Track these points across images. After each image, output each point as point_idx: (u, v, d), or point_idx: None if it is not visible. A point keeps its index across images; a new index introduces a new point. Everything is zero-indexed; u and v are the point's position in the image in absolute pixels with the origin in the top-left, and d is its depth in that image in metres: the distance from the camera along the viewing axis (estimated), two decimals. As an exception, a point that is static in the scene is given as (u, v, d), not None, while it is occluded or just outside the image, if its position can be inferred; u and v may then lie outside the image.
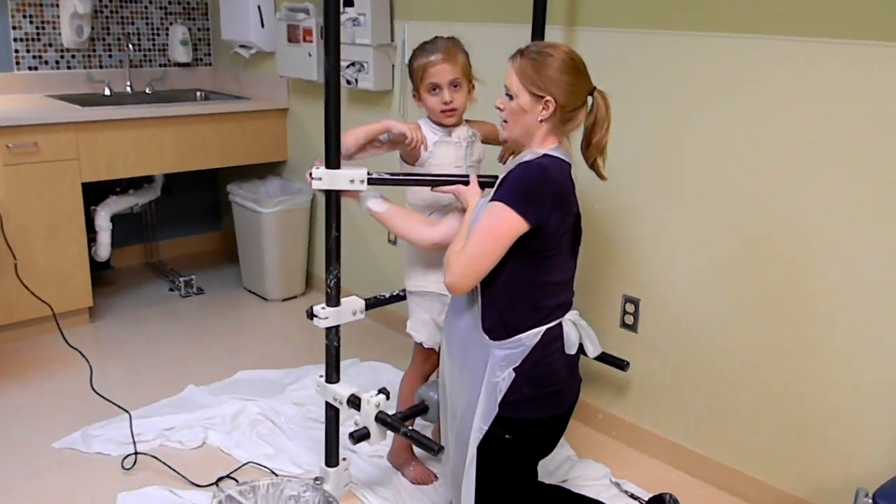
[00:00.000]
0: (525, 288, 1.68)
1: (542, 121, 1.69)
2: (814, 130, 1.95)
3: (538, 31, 2.34)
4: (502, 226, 1.61)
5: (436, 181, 1.92)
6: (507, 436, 1.72)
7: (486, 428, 1.71)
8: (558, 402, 1.75)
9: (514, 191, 1.63)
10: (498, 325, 1.70)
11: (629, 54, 2.30)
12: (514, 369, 1.68)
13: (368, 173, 1.90)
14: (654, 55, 2.24)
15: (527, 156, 1.71)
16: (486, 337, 1.72)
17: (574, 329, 1.74)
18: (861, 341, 1.96)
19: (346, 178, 1.89)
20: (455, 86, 1.97)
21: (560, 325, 1.72)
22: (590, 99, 1.71)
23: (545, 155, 1.69)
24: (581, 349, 1.79)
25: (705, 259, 2.23)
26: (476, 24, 2.72)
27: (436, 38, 2.00)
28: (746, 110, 2.07)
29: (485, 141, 2.12)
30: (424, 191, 2.01)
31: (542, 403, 1.72)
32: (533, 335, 1.68)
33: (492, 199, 1.66)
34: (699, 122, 2.18)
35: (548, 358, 1.70)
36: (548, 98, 1.66)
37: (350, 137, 1.95)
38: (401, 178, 1.96)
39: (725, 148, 2.13)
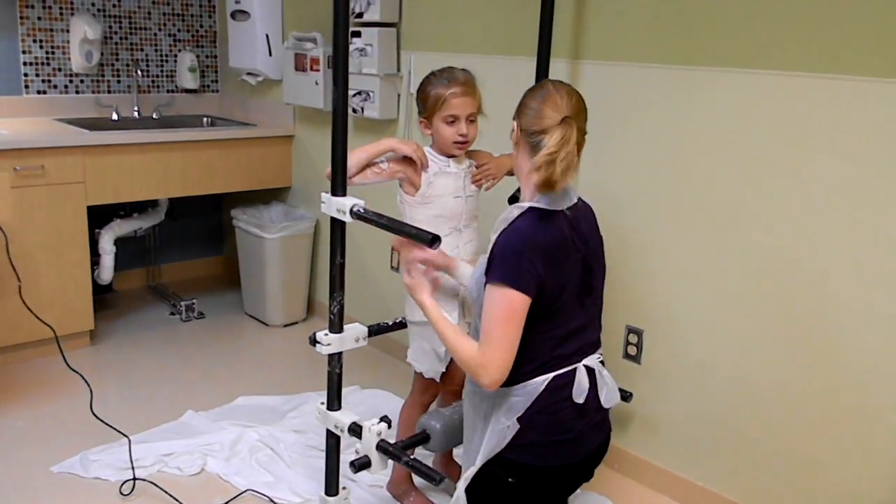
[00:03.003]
0: (526, 341, 1.61)
1: (515, 146, 1.68)
2: (824, 165, 1.96)
3: (543, 64, 2.36)
4: (514, 308, 1.56)
5: (406, 231, 1.80)
6: (509, 479, 1.66)
7: (481, 465, 1.66)
8: (568, 452, 1.67)
9: (505, 268, 1.57)
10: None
11: (635, 88, 2.32)
12: (518, 419, 1.63)
13: (362, 208, 1.85)
14: (661, 89, 2.25)
15: (513, 211, 1.65)
16: None
17: (587, 377, 1.66)
18: (871, 376, 1.95)
19: (336, 206, 1.88)
20: (471, 120, 1.99)
21: (572, 372, 1.66)
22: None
23: (529, 209, 1.63)
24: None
25: (712, 291, 2.23)
26: (481, 55, 2.75)
27: (451, 67, 2.02)
28: (755, 145, 2.08)
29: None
30: (422, 220, 2.01)
31: (547, 451, 1.64)
32: (538, 383, 1.63)
33: (486, 281, 1.60)
34: (706, 155, 2.19)
35: (554, 406, 1.64)
36: (514, 122, 1.68)
37: (352, 158, 1.93)
38: (379, 219, 1.84)
39: (732, 181, 2.14)
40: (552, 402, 1.63)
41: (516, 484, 1.66)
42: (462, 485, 1.70)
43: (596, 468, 1.77)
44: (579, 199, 1.73)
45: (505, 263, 1.58)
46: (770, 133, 2.03)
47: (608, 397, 1.70)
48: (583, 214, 1.72)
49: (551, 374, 1.63)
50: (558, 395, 1.64)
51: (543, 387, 1.62)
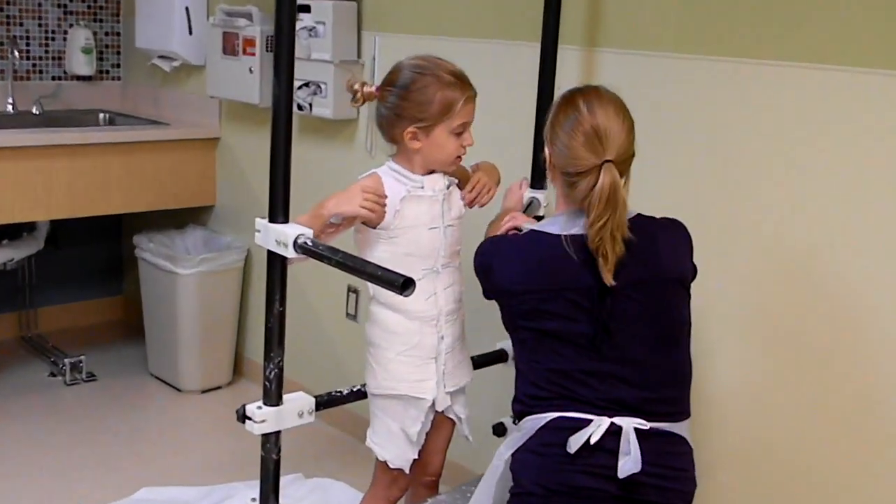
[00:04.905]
0: (525, 370, 1.92)
1: (548, 171, 1.95)
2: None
3: (549, 52, 2.39)
4: None
5: (369, 271, 1.82)
6: None
7: None
8: None
9: (476, 260, 1.99)
10: (514, 406, 1.94)
11: (666, 84, 2.34)
12: (513, 454, 1.88)
13: (309, 240, 1.86)
14: (700, 86, 2.28)
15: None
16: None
17: (601, 433, 1.78)
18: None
19: (275, 236, 1.88)
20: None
21: (583, 421, 1.81)
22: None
23: (531, 230, 1.94)
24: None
25: (768, 350, 2.24)
26: (467, 39, 2.77)
27: (439, 58, 2.05)
28: (818, 160, 2.10)
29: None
30: (387, 260, 1.99)
31: (549, 502, 1.82)
32: (537, 419, 1.85)
33: None
34: (758, 169, 2.21)
35: (543, 447, 1.84)
36: (546, 148, 1.93)
37: None
38: (333, 255, 1.86)
39: (795, 202, 2.16)
40: (544, 442, 1.84)
41: None
42: None
43: None
44: (644, 224, 1.89)
45: (476, 262, 1.99)
46: (841, 147, 2.06)
47: (625, 467, 1.78)
48: (637, 247, 1.84)
49: (556, 414, 1.84)
50: (552, 438, 1.82)
51: (542, 423, 1.84)
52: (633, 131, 1.86)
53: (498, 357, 2.48)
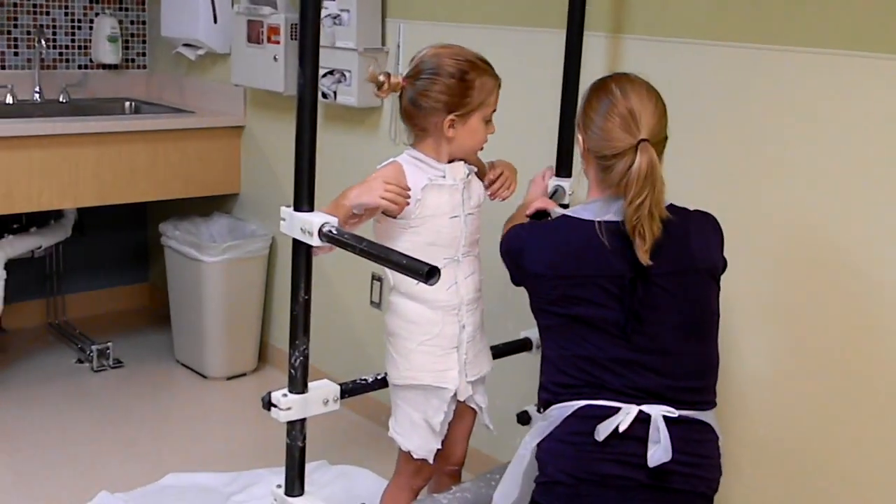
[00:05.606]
0: (552, 357, 1.93)
1: (581, 157, 1.94)
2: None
3: (574, 39, 2.37)
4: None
5: (395, 259, 1.82)
6: None
7: None
8: (603, 500, 1.83)
9: (504, 246, 2.01)
10: (541, 395, 1.95)
11: (698, 74, 2.31)
12: (539, 444, 1.89)
13: (334, 228, 1.87)
14: (735, 76, 2.25)
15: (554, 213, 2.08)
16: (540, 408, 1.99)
17: (629, 421, 1.79)
18: None
19: (300, 224, 1.89)
20: None
21: (612, 409, 1.82)
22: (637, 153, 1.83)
23: (564, 215, 1.98)
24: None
25: (789, 345, 2.22)
26: (494, 26, 2.76)
27: (461, 46, 2.06)
28: (849, 149, 2.07)
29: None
30: (409, 250, 1.98)
31: (578, 491, 1.82)
32: (564, 408, 1.86)
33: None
34: (789, 164, 2.18)
35: (573, 436, 1.85)
36: (578, 134, 1.96)
37: None
38: (358, 243, 1.87)
39: (816, 196, 2.13)
40: (572, 430, 1.85)
41: None
42: None
43: None
44: (677, 214, 1.88)
45: (504, 246, 2.02)
46: (872, 133, 2.03)
47: (655, 455, 1.79)
48: (670, 235, 1.84)
49: (583, 402, 1.85)
50: (580, 426, 1.84)
51: (570, 412, 1.85)
52: (665, 115, 1.89)
53: (522, 345, 2.48)
